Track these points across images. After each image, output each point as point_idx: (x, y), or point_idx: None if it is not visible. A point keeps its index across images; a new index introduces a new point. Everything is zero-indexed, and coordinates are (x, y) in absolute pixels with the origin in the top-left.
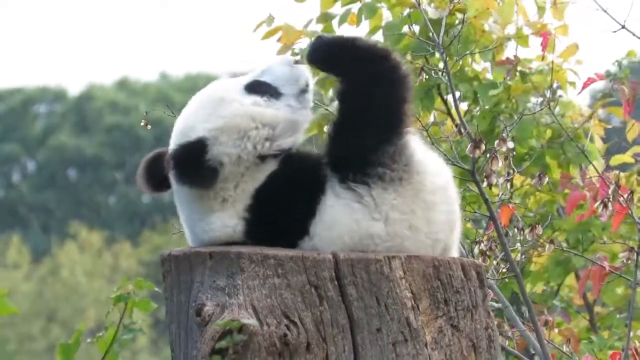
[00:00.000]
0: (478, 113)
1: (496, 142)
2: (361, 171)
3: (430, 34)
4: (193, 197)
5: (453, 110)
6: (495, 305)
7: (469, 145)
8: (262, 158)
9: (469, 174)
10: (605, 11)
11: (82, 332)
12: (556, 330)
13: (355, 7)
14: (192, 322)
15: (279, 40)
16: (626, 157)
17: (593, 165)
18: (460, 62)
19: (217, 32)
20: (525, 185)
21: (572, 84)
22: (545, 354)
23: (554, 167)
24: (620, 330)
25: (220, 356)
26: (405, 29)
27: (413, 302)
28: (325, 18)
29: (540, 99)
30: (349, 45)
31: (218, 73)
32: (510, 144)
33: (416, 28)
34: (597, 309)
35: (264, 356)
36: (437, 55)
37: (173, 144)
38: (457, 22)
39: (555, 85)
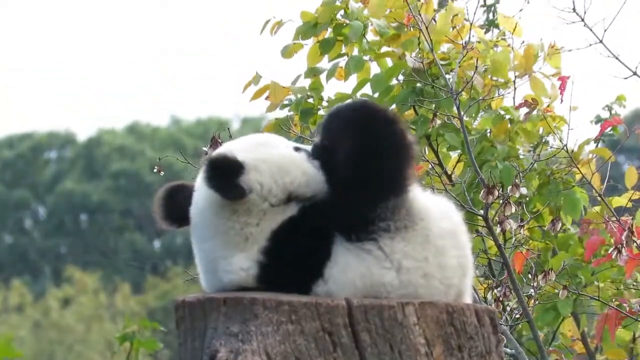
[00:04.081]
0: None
1: (509, 188)
2: (364, 230)
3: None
4: (220, 230)
5: (445, 161)
6: (509, 351)
7: (482, 191)
8: (289, 199)
9: (482, 220)
10: (617, 58)
11: None
12: None
13: (342, 61)
14: None
15: (267, 98)
16: (623, 201)
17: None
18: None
19: (229, 76)
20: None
21: (563, 119)
22: None
23: (545, 214)
24: None
25: None
26: (394, 80)
27: (427, 349)
28: (313, 73)
29: (529, 147)
30: (335, 117)
31: (229, 117)
32: (524, 190)
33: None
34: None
35: None
36: (427, 104)
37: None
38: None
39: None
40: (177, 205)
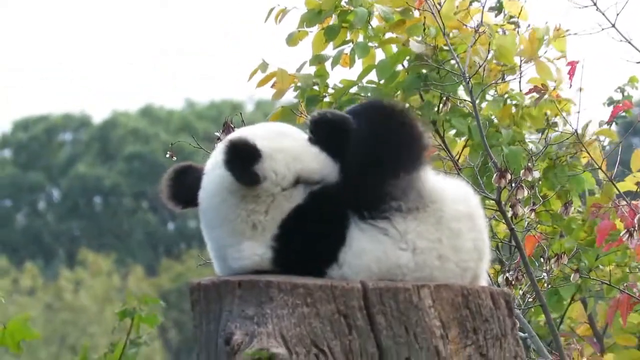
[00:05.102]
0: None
1: (522, 171)
2: (375, 208)
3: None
4: (227, 217)
5: (451, 146)
6: (522, 335)
7: (494, 175)
8: (297, 182)
9: (495, 203)
10: (629, 42)
11: (88, 349)
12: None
13: (347, 48)
14: (221, 351)
15: (273, 86)
16: (628, 185)
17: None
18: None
19: (229, 76)
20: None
21: (568, 102)
22: None
23: (553, 199)
24: None
25: None
26: (399, 67)
27: (442, 331)
28: (318, 60)
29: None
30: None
31: (243, 99)
32: (536, 174)
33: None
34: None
35: None
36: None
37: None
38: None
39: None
40: (184, 187)
